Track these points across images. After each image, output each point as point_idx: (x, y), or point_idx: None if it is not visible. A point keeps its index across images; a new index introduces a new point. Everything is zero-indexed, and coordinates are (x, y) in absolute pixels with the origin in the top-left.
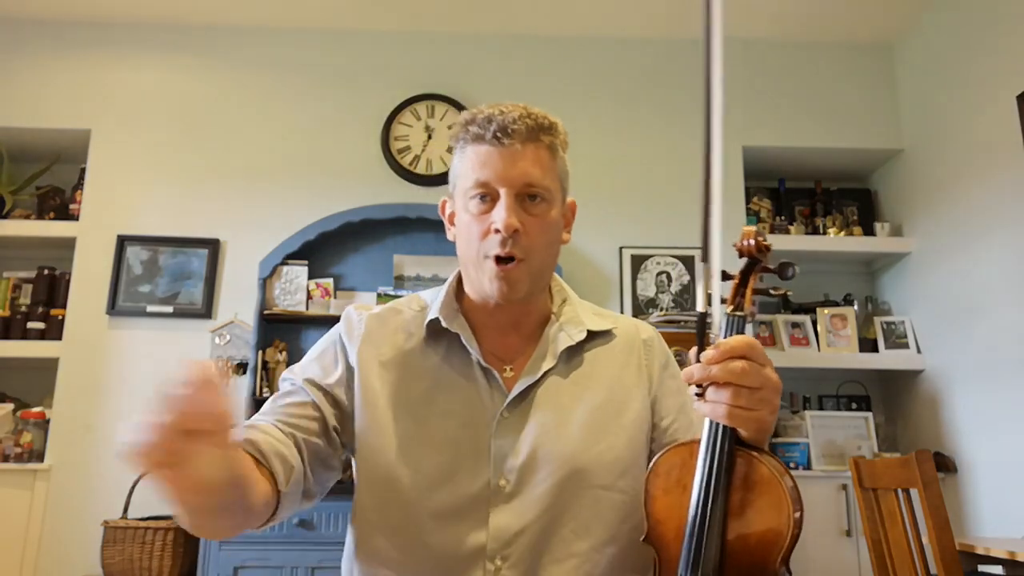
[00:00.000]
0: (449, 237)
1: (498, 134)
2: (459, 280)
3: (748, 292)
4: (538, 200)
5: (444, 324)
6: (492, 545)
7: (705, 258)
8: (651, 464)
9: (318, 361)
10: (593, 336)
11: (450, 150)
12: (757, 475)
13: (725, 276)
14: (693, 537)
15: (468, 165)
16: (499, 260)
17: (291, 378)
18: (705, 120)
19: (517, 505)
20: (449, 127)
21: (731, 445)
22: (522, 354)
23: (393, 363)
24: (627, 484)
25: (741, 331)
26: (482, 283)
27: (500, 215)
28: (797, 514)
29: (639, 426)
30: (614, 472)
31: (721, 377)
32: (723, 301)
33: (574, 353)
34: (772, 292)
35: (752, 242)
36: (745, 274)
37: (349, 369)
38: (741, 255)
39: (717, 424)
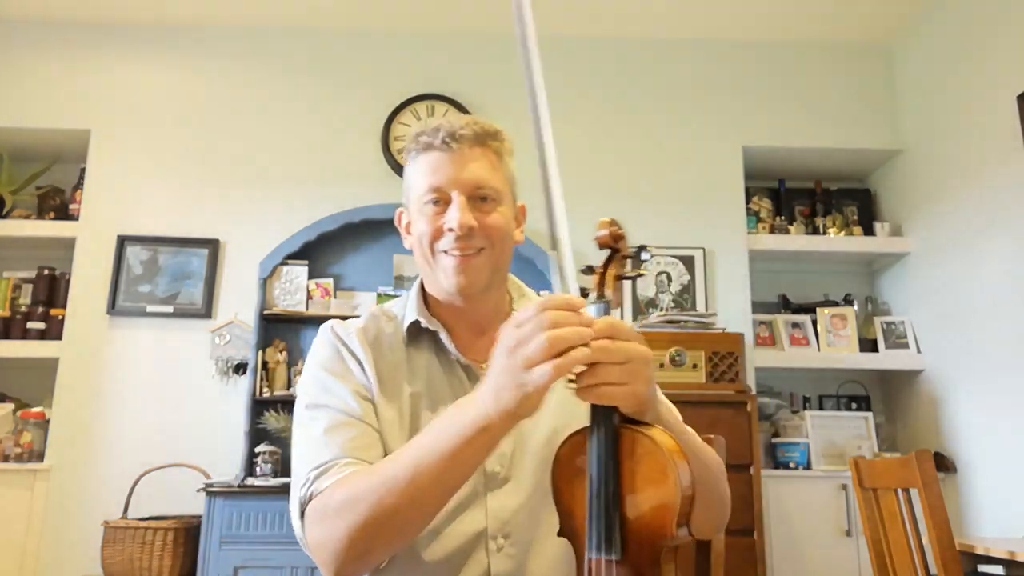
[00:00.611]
0: (406, 246)
1: (447, 139)
2: (422, 288)
3: (609, 279)
4: (489, 201)
5: (425, 324)
6: (493, 526)
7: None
8: (553, 457)
9: (351, 386)
10: None
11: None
12: (641, 448)
13: (590, 270)
14: (593, 520)
15: (420, 173)
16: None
17: (334, 406)
18: (533, 117)
19: (512, 487)
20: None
21: (612, 424)
22: (490, 350)
23: (388, 371)
24: None
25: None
26: (439, 281)
27: (454, 215)
28: (683, 479)
29: None
30: None
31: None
32: (586, 292)
33: None
34: (627, 276)
35: (606, 232)
36: (606, 263)
37: (367, 382)
38: (601, 247)
39: (597, 406)
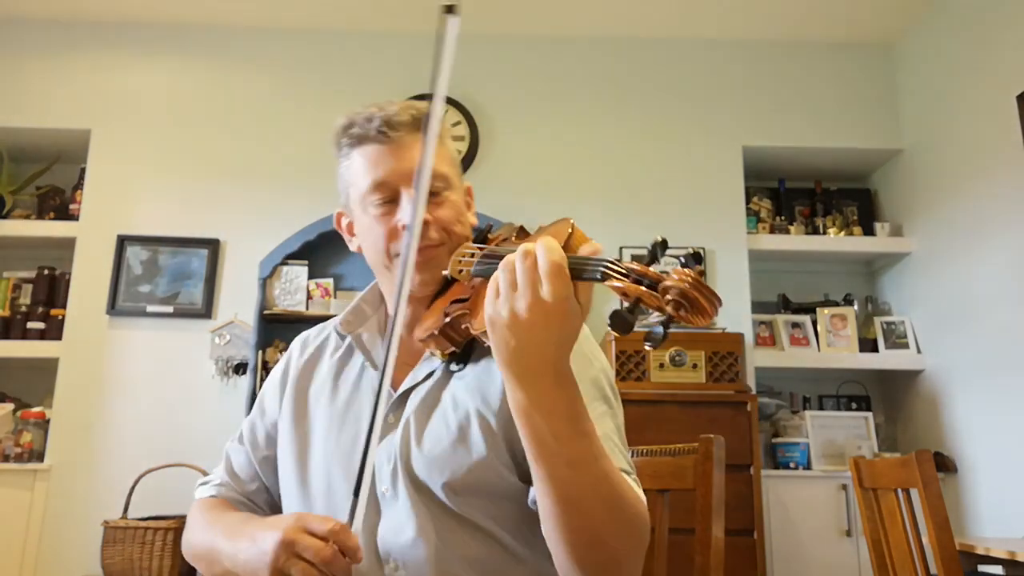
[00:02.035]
0: (352, 248)
1: (383, 129)
2: (379, 292)
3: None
4: (439, 193)
5: (339, 330)
6: (383, 549)
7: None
8: None
9: (266, 411)
10: None
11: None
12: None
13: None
14: None
15: (359, 169)
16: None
17: (245, 428)
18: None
19: (396, 512)
20: (454, 124)
21: None
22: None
23: (326, 383)
24: (484, 479)
25: None
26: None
27: (407, 214)
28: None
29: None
30: (460, 473)
31: None
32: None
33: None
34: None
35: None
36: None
37: (275, 417)
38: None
39: None
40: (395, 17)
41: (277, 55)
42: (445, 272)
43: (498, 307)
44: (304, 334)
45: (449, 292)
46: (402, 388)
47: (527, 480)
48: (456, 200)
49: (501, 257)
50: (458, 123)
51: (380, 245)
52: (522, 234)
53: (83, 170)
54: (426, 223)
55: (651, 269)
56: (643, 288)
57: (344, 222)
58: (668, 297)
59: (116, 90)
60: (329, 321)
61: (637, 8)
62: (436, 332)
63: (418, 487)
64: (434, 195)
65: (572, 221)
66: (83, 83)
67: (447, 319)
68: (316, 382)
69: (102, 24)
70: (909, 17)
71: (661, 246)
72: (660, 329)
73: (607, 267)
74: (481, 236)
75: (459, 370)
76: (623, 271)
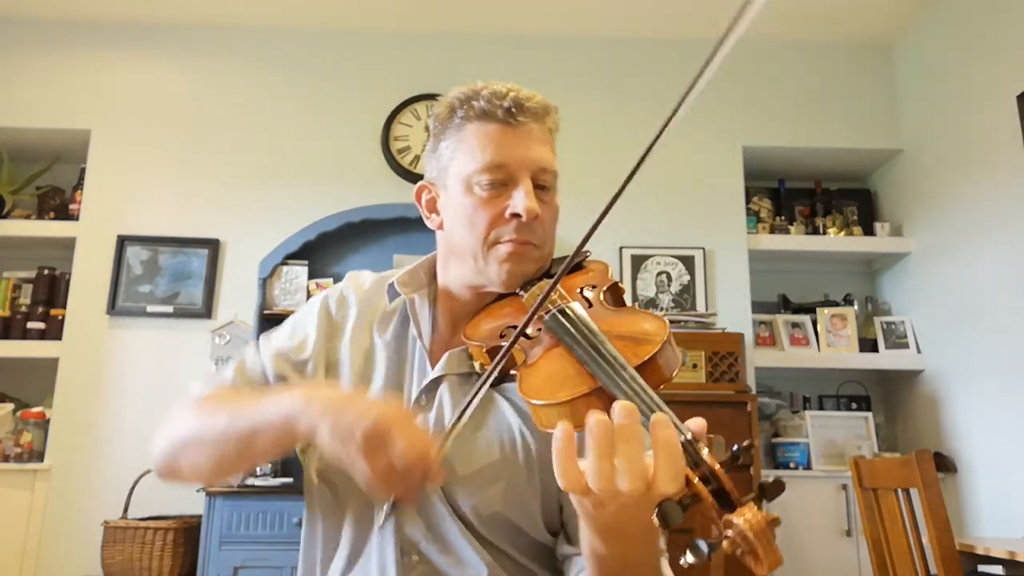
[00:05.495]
0: (431, 226)
1: (513, 110)
2: (433, 273)
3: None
4: (548, 190)
5: (398, 288)
6: (405, 543)
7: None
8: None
9: (289, 342)
10: None
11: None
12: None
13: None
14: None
15: (472, 144)
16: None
17: (259, 359)
18: None
19: (420, 507)
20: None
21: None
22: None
23: (373, 345)
24: (505, 481)
25: None
26: (487, 271)
27: (521, 200)
28: None
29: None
30: (486, 477)
31: None
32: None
33: None
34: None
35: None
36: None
37: (319, 353)
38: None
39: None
40: (395, 17)
41: (277, 55)
42: (521, 293)
43: (592, 478)
44: (356, 279)
45: (507, 302)
46: (438, 371)
47: (554, 532)
48: (558, 209)
49: (591, 333)
50: None
51: (479, 228)
52: (611, 296)
53: (83, 170)
54: (537, 216)
55: (727, 478)
56: (707, 491)
57: (425, 197)
58: (728, 532)
59: (116, 90)
60: (372, 285)
61: (636, 8)
62: (486, 349)
63: (447, 494)
64: (543, 189)
65: (670, 331)
66: (83, 83)
67: (501, 341)
68: (353, 345)
69: (101, 24)
70: (908, 17)
71: (746, 450)
72: (706, 550)
73: (686, 445)
74: (573, 267)
75: (496, 385)
76: (696, 459)
